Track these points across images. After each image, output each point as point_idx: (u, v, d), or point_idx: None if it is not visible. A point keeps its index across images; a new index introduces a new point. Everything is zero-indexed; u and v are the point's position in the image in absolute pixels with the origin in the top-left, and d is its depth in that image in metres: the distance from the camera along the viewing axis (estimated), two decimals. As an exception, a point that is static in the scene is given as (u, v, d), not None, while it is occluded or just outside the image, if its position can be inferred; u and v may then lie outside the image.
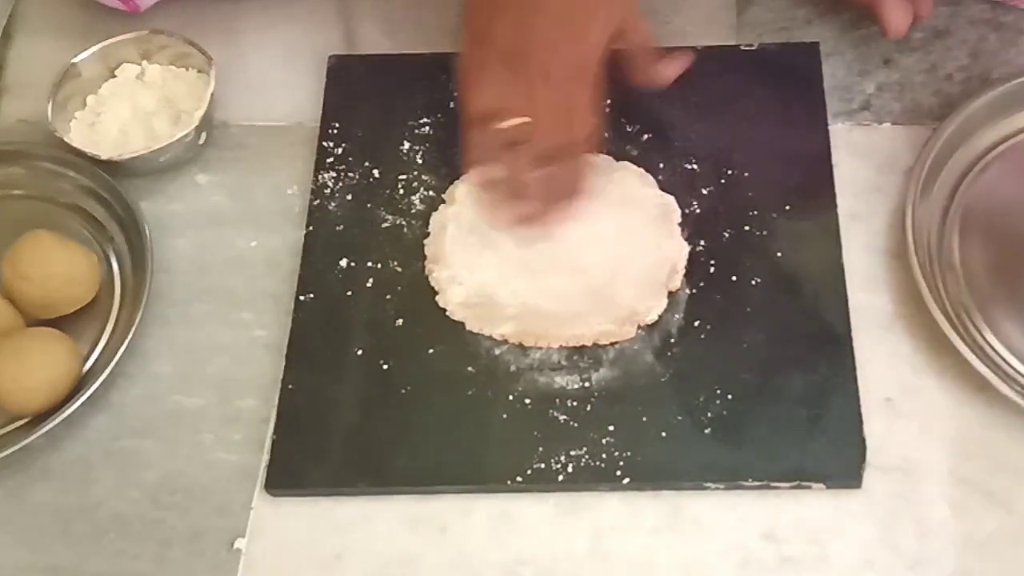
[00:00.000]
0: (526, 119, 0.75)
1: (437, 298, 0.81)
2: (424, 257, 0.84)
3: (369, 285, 0.83)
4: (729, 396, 0.76)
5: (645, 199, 0.84)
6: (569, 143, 0.77)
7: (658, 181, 0.85)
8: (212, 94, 0.89)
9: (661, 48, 0.82)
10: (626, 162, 0.86)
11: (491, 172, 0.79)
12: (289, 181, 0.89)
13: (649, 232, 0.83)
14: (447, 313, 0.81)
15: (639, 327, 0.79)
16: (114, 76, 0.93)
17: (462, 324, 0.81)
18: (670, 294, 0.80)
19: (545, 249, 0.82)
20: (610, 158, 0.86)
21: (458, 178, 0.86)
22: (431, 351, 0.80)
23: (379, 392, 0.79)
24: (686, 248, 0.82)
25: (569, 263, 0.82)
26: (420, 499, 0.76)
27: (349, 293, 0.83)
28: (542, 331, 0.79)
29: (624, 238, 0.83)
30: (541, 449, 0.76)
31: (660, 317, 0.80)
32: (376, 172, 0.88)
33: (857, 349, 0.78)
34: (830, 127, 0.87)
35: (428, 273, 0.82)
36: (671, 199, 0.84)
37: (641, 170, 0.86)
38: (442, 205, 0.85)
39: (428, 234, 0.85)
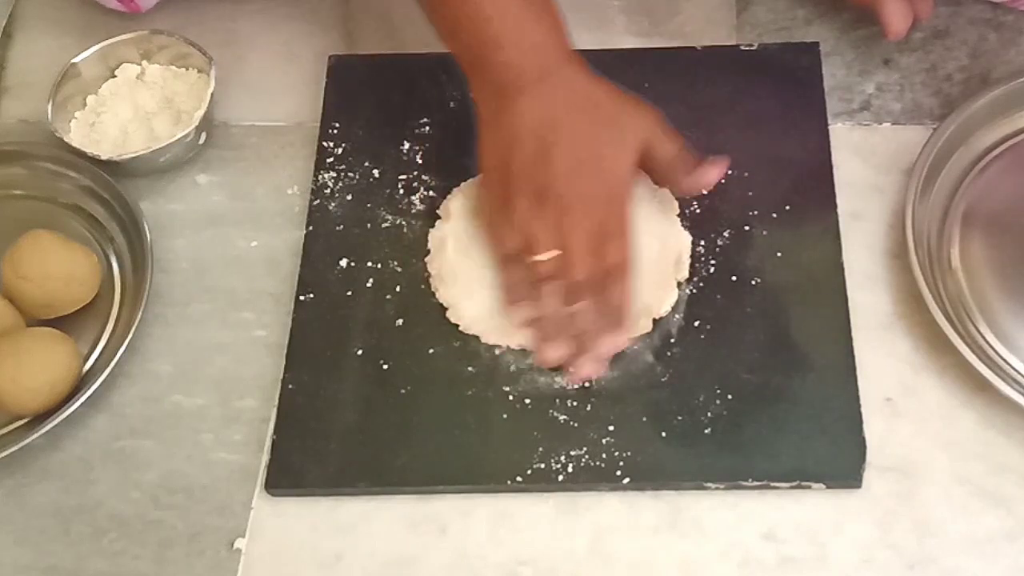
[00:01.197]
0: (557, 252, 0.75)
1: (448, 314, 0.81)
2: (426, 257, 0.83)
3: (369, 285, 0.83)
4: (729, 396, 0.76)
5: (641, 194, 0.84)
6: (604, 272, 0.76)
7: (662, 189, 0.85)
8: (212, 94, 0.90)
9: (694, 157, 0.79)
10: None
11: (531, 311, 0.77)
12: (289, 181, 0.89)
13: (650, 226, 0.83)
14: (460, 328, 0.80)
15: (654, 320, 0.79)
16: (114, 76, 0.93)
17: (456, 324, 0.80)
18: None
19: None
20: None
21: (450, 193, 0.86)
22: (431, 351, 0.80)
23: (379, 392, 0.79)
24: (689, 238, 0.82)
25: None
26: (420, 499, 0.76)
27: (349, 293, 0.83)
28: None
29: None
30: (541, 449, 0.76)
31: (661, 317, 0.80)
32: (376, 172, 0.88)
33: (857, 349, 0.78)
34: (830, 127, 0.87)
35: (434, 291, 0.82)
36: (666, 191, 0.84)
37: None
38: (438, 221, 0.85)
39: (428, 233, 0.84)
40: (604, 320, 0.76)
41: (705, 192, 0.81)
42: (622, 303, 0.77)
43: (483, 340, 0.80)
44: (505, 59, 0.75)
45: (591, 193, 0.75)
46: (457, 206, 0.85)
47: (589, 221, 0.75)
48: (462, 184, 0.86)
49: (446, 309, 0.81)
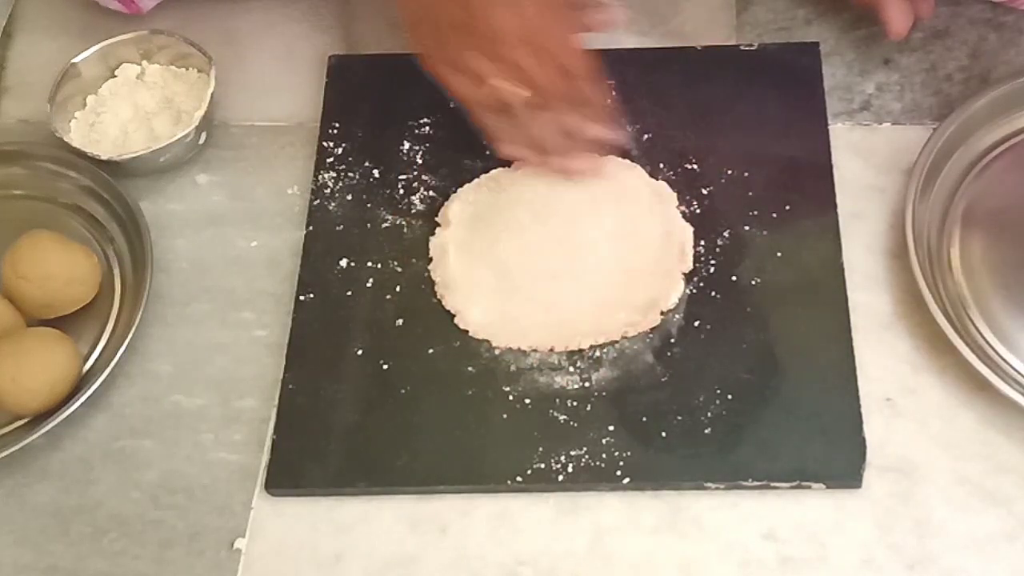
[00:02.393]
0: (523, 91, 0.76)
1: (456, 320, 0.81)
2: (428, 264, 0.84)
3: (369, 285, 0.83)
4: (729, 396, 0.76)
5: (638, 188, 0.85)
6: (566, 83, 0.77)
7: (658, 181, 0.85)
8: (212, 94, 0.89)
9: None
10: (610, 155, 0.86)
11: (518, 143, 0.81)
12: (289, 181, 0.89)
13: (650, 220, 0.83)
14: (470, 334, 0.80)
15: (662, 312, 0.79)
16: (114, 76, 0.93)
17: (465, 330, 0.80)
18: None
19: (550, 255, 0.82)
20: (594, 155, 0.86)
21: (447, 197, 0.86)
22: (431, 351, 0.80)
23: (379, 392, 0.79)
24: (690, 228, 0.82)
25: (579, 264, 0.82)
26: (420, 499, 0.76)
27: (349, 293, 0.83)
28: (570, 335, 0.79)
29: (627, 230, 0.83)
30: (541, 449, 0.76)
31: (668, 310, 0.80)
32: (376, 172, 0.88)
33: (857, 349, 0.78)
34: (830, 127, 0.87)
35: (440, 299, 0.82)
36: (663, 184, 0.84)
37: (627, 161, 0.86)
38: (438, 228, 0.85)
39: (428, 233, 0.85)
40: (581, 132, 0.80)
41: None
42: (598, 97, 0.80)
43: (493, 344, 0.80)
44: None
45: (516, 18, 0.75)
46: (456, 211, 0.85)
47: (527, 41, 0.75)
48: (459, 190, 0.86)
49: (454, 316, 0.81)
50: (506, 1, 0.75)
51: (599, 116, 0.81)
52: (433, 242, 0.84)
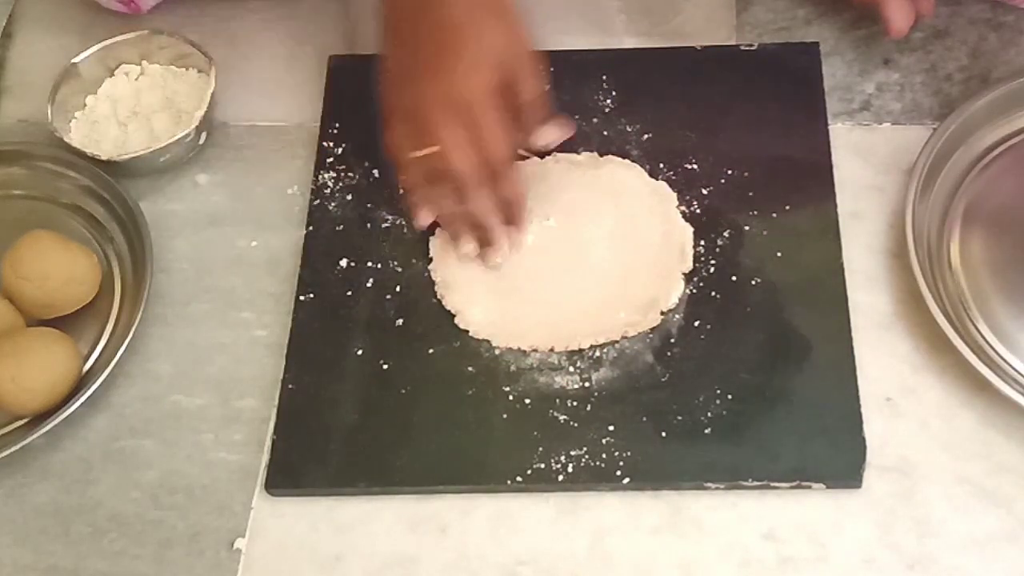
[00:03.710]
0: (434, 148, 0.77)
1: (457, 320, 0.81)
2: (427, 257, 0.84)
3: (369, 285, 0.83)
4: (729, 396, 0.76)
5: (638, 188, 0.85)
6: (486, 165, 0.78)
7: (658, 181, 0.85)
8: (212, 94, 0.90)
9: (548, 109, 0.82)
10: (610, 156, 0.86)
11: (432, 212, 0.83)
12: (289, 181, 0.89)
13: (650, 219, 0.83)
14: (470, 334, 0.80)
15: (662, 312, 0.79)
16: (114, 76, 0.93)
17: (466, 329, 0.80)
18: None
19: (551, 255, 0.82)
20: (594, 154, 0.86)
21: None
22: (431, 351, 0.80)
23: (379, 392, 0.79)
24: (690, 228, 0.82)
25: (579, 264, 0.82)
26: (420, 499, 0.76)
27: (349, 293, 0.83)
28: (570, 335, 0.79)
29: (627, 230, 0.83)
30: (541, 449, 0.76)
31: (668, 310, 0.80)
32: (376, 172, 0.88)
33: (857, 349, 0.78)
34: (830, 127, 0.87)
35: (440, 298, 0.82)
36: (663, 184, 0.84)
37: (627, 161, 0.86)
38: (439, 228, 0.85)
39: (430, 237, 0.85)
40: (502, 214, 0.81)
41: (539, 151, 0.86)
42: (514, 197, 0.81)
43: (494, 344, 0.80)
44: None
45: (450, 99, 0.77)
46: None
47: (459, 119, 0.77)
48: None
49: (454, 316, 0.81)
50: (446, 79, 0.77)
51: (514, 220, 0.83)
52: (434, 241, 0.84)
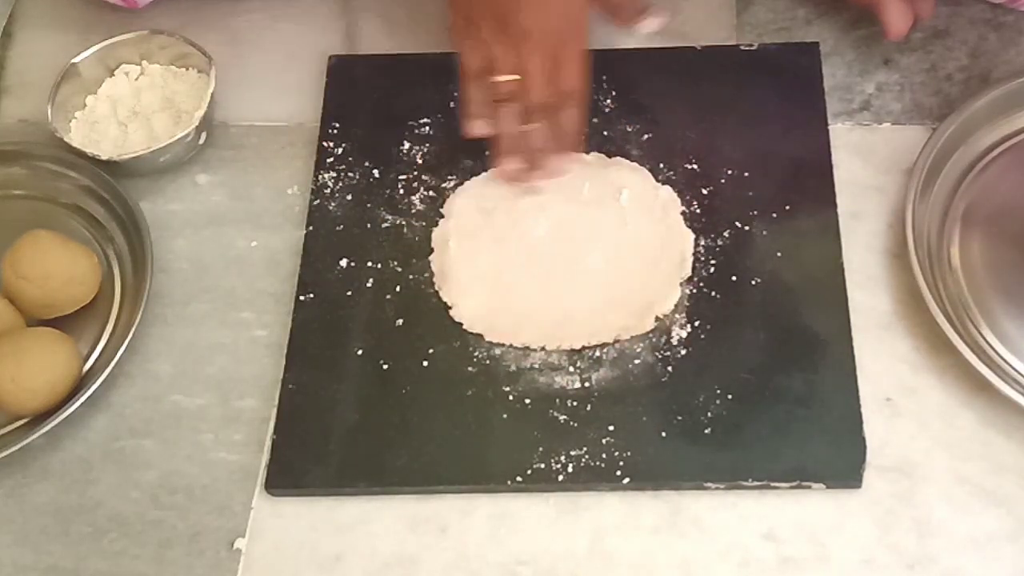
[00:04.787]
0: (515, 76, 0.78)
1: (452, 312, 0.81)
2: (427, 258, 0.84)
3: (369, 285, 0.83)
4: (729, 396, 0.76)
5: (643, 192, 0.85)
6: (558, 98, 0.80)
7: (658, 181, 0.85)
8: (212, 94, 0.89)
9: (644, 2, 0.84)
10: (618, 158, 0.86)
11: (488, 127, 0.83)
12: (289, 181, 0.89)
13: (652, 224, 0.83)
14: (464, 327, 0.80)
15: (657, 318, 0.79)
16: (114, 76, 0.93)
17: (461, 324, 0.81)
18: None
19: (551, 254, 0.82)
20: (603, 155, 0.86)
21: (454, 191, 0.86)
22: (431, 351, 0.80)
23: (379, 392, 0.79)
24: (691, 236, 0.82)
25: (578, 264, 0.82)
26: (420, 499, 0.76)
27: (349, 293, 0.83)
28: (563, 334, 0.79)
29: (628, 233, 0.83)
30: (541, 449, 0.76)
31: (663, 315, 0.80)
32: (376, 172, 0.88)
33: (857, 349, 0.78)
34: (830, 127, 0.87)
35: (438, 289, 0.82)
36: (668, 189, 0.84)
37: (634, 164, 0.86)
38: (441, 220, 0.85)
39: (431, 236, 0.85)
40: (557, 142, 0.82)
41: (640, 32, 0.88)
42: (574, 127, 0.82)
43: (486, 338, 0.80)
44: None
45: (549, 21, 0.78)
46: (460, 204, 0.85)
47: (547, 48, 0.78)
48: (465, 183, 0.86)
49: (449, 308, 0.81)
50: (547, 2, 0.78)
51: (568, 147, 0.83)
52: (435, 233, 0.84)
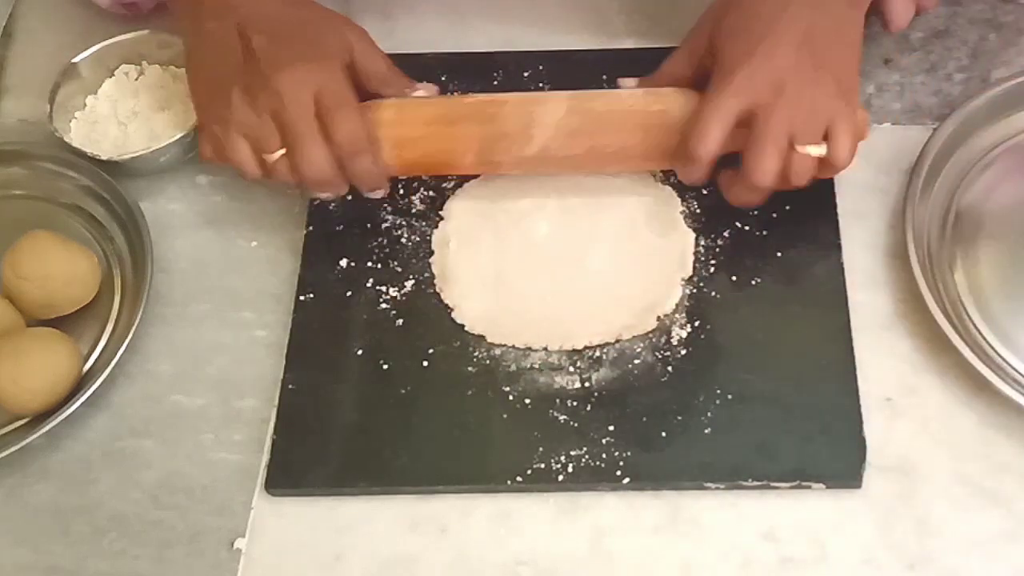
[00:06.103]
0: (282, 151, 0.78)
1: (453, 315, 0.81)
2: (427, 258, 0.84)
3: (369, 285, 0.83)
4: (729, 396, 0.76)
5: (643, 192, 0.85)
6: (339, 149, 0.78)
7: (658, 181, 0.85)
8: (212, 94, 0.89)
9: (402, 75, 0.84)
10: None
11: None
12: (289, 181, 0.89)
13: (652, 224, 0.83)
14: (466, 328, 0.80)
15: (658, 317, 0.79)
16: (114, 76, 0.93)
17: (461, 324, 0.81)
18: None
19: (551, 254, 0.82)
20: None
21: (453, 192, 0.86)
22: (431, 351, 0.80)
23: (379, 392, 0.79)
24: (692, 235, 0.82)
25: (579, 265, 0.82)
26: (420, 499, 0.76)
27: (349, 293, 0.83)
28: (565, 334, 0.79)
29: (629, 233, 0.83)
30: (541, 449, 0.76)
31: (664, 315, 0.80)
32: (376, 172, 0.88)
33: (857, 348, 0.78)
34: (830, 127, 0.87)
35: (439, 291, 0.82)
36: (668, 189, 0.84)
37: None
38: (441, 222, 0.85)
39: (430, 236, 0.85)
40: (359, 183, 0.81)
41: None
42: (369, 172, 0.80)
43: (488, 340, 0.80)
44: None
45: (299, 80, 0.77)
46: (460, 206, 0.85)
47: (304, 108, 0.77)
48: (465, 184, 0.86)
49: (451, 310, 0.81)
50: (298, 65, 0.78)
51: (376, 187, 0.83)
52: (435, 235, 0.84)
